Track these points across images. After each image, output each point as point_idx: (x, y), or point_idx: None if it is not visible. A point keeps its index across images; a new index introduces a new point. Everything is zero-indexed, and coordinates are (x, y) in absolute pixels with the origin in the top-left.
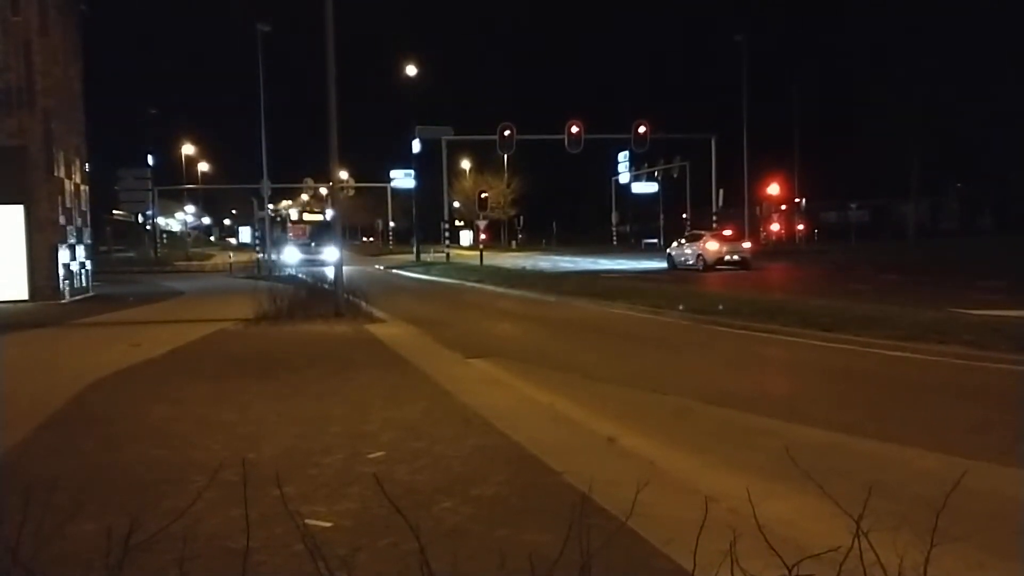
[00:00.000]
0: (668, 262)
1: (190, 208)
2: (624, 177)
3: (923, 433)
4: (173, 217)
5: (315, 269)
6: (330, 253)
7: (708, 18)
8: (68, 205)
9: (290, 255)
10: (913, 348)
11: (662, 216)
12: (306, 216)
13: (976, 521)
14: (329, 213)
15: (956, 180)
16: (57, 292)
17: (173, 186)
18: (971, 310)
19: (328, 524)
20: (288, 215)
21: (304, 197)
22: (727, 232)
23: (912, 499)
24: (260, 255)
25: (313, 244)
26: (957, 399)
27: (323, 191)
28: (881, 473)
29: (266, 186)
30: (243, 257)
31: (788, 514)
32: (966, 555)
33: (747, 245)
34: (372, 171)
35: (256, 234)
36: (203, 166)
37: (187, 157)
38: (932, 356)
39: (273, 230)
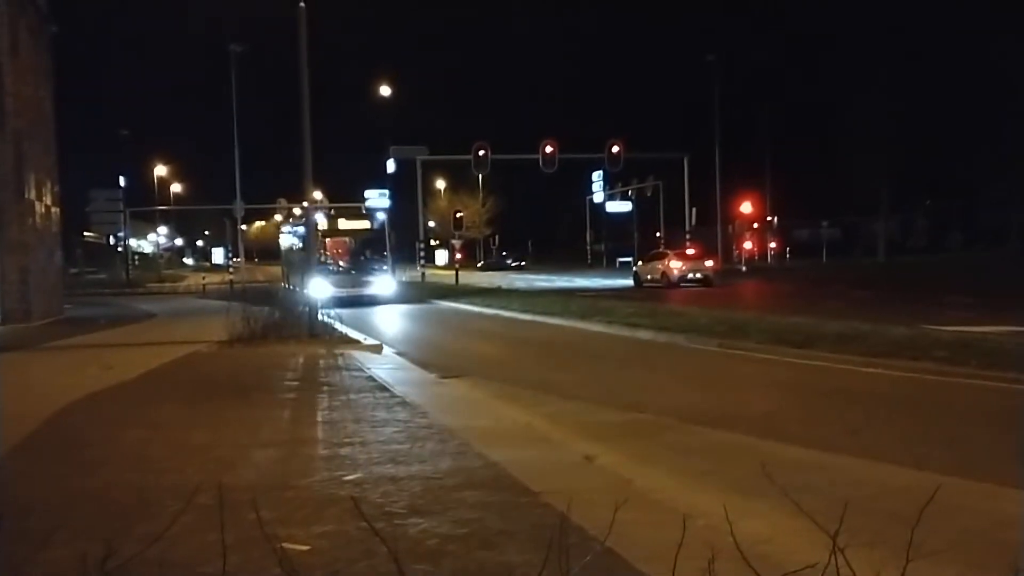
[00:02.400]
0: (634, 280)
1: (162, 229)
2: (598, 196)
3: (897, 449)
4: (145, 238)
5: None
6: (383, 283)
7: (681, 39)
8: (39, 227)
9: (319, 287)
10: (886, 364)
11: (636, 235)
12: (342, 224)
13: (951, 536)
14: (380, 210)
15: (925, 198)
16: (28, 315)
17: (145, 207)
18: (942, 326)
19: (305, 547)
20: (314, 224)
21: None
22: (690, 251)
23: (887, 515)
24: (233, 278)
25: (355, 270)
26: (931, 415)
27: (296, 211)
28: (857, 489)
29: (239, 206)
30: (216, 278)
31: (765, 531)
32: (942, 570)
33: (709, 263)
34: (347, 191)
35: (229, 254)
36: (176, 187)
37: (159, 178)
38: (905, 372)
39: (296, 254)
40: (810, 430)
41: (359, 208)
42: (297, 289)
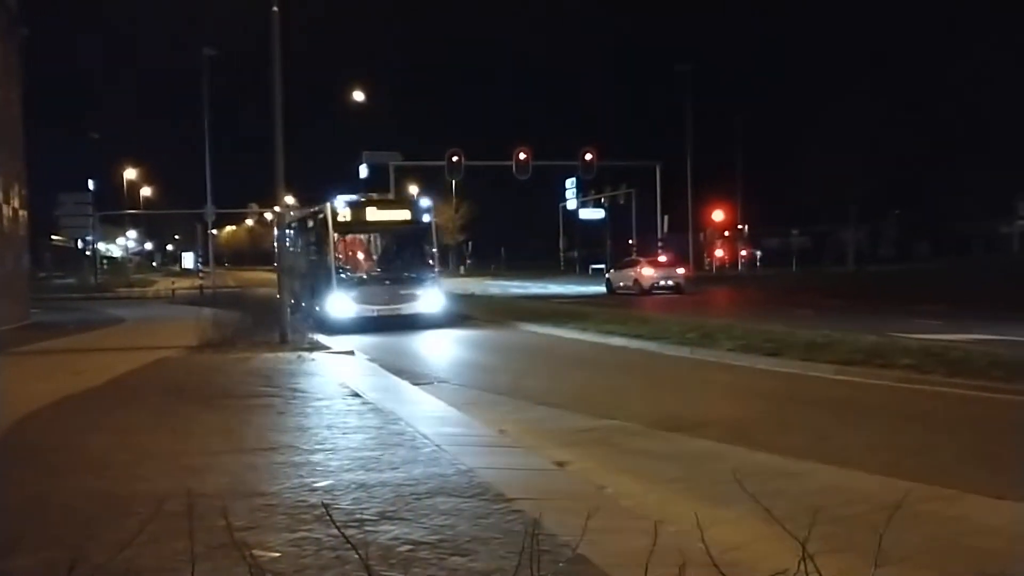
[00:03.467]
0: (607, 287)
1: (132, 233)
2: (572, 203)
3: (866, 456)
4: (114, 242)
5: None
6: (428, 296)
7: (654, 48)
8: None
9: (340, 304)
10: (855, 372)
11: (609, 242)
12: (373, 214)
13: (919, 542)
14: (422, 204)
15: (894, 208)
16: None
17: (115, 211)
18: (910, 334)
19: (275, 554)
20: (331, 214)
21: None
22: (662, 258)
23: (856, 521)
24: (204, 283)
25: (390, 279)
26: (899, 422)
27: (268, 216)
28: (826, 496)
29: (210, 211)
30: (186, 283)
31: (736, 538)
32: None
33: (681, 271)
34: (319, 196)
35: (200, 259)
36: (145, 190)
37: (129, 182)
38: (874, 380)
39: (292, 251)
40: (780, 437)
41: (390, 194)
42: (305, 305)
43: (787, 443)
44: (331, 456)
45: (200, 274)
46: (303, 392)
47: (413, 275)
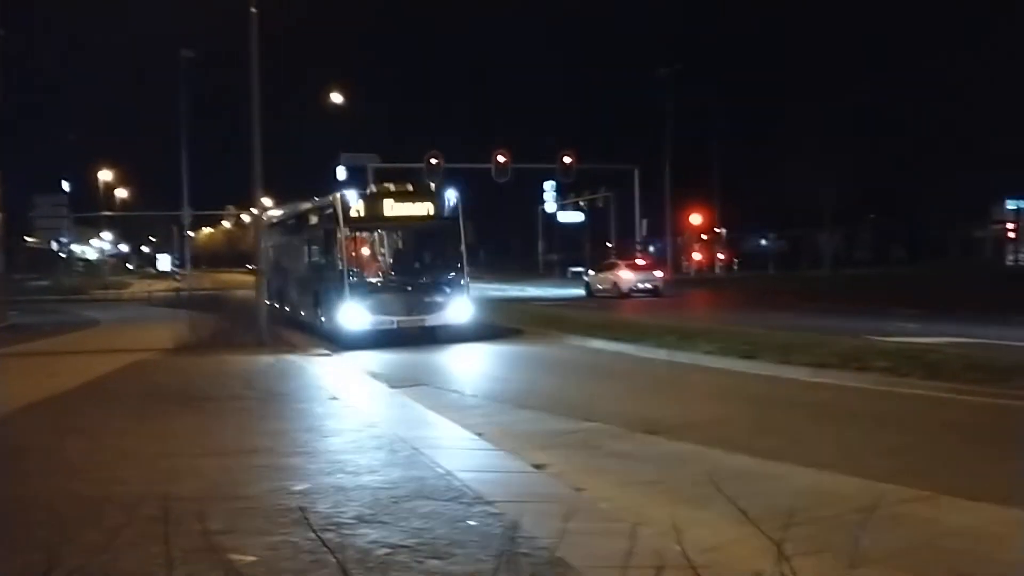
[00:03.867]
0: (586, 289)
1: (107, 235)
2: (551, 206)
3: (843, 458)
4: (89, 244)
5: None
6: (456, 304)
7: (634, 50)
8: None
9: (352, 315)
10: (832, 375)
11: (588, 245)
12: (390, 207)
13: (895, 544)
14: (449, 196)
15: (869, 212)
16: None
17: (90, 213)
18: (887, 337)
19: (252, 558)
20: (341, 208)
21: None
22: (640, 261)
23: (832, 523)
24: (180, 286)
25: (411, 285)
26: (875, 425)
27: (245, 218)
28: (802, 498)
29: (187, 213)
30: (162, 285)
31: (713, 539)
32: None
33: (659, 274)
34: (297, 198)
35: (177, 261)
36: (121, 192)
37: (105, 183)
38: (850, 383)
39: (287, 252)
40: (757, 439)
41: (410, 183)
42: (304, 314)
43: (764, 445)
44: (309, 459)
45: (177, 276)
46: (281, 395)
47: (438, 280)
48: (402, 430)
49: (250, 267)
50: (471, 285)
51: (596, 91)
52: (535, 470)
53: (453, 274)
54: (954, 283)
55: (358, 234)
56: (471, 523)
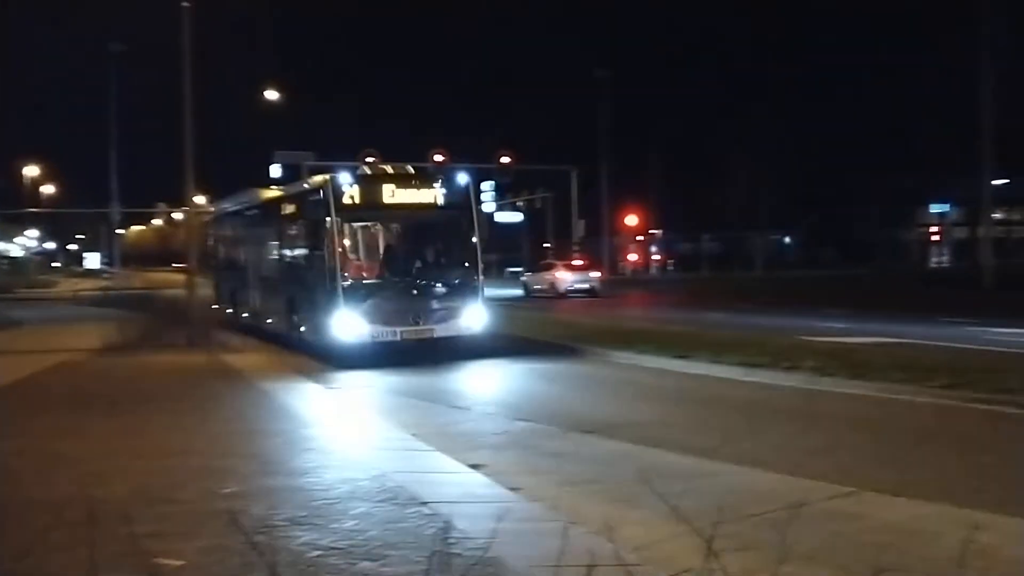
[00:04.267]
0: (524, 290)
1: (33, 232)
2: (489, 207)
3: (773, 456)
4: (14, 242)
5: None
6: (469, 311)
7: (573, 53)
8: None
9: (346, 325)
10: (763, 374)
11: (526, 245)
12: (391, 193)
13: (822, 540)
14: (460, 180)
15: (802, 215)
16: None
17: (15, 209)
18: (816, 337)
19: (180, 563)
20: (332, 194)
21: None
22: (577, 262)
23: (761, 520)
24: (109, 284)
25: (417, 288)
26: (804, 423)
27: (177, 216)
28: (733, 495)
29: (116, 210)
30: (89, 284)
31: (645, 537)
32: (812, 572)
33: (595, 275)
34: (230, 195)
35: (106, 260)
36: (48, 188)
37: (32, 179)
38: (781, 382)
39: (250, 246)
40: (690, 438)
41: (413, 168)
42: (272, 322)
43: (697, 444)
44: (240, 461)
45: (105, 275)
46: (212, 395)
47: (449, 282)
48: (335, 430)
49: (180, 265)
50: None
51: (536, 92)
52: (471, 470)
53: (465, 274)
54: (881, 285)
55: (352, 226)
56: (405, 524)
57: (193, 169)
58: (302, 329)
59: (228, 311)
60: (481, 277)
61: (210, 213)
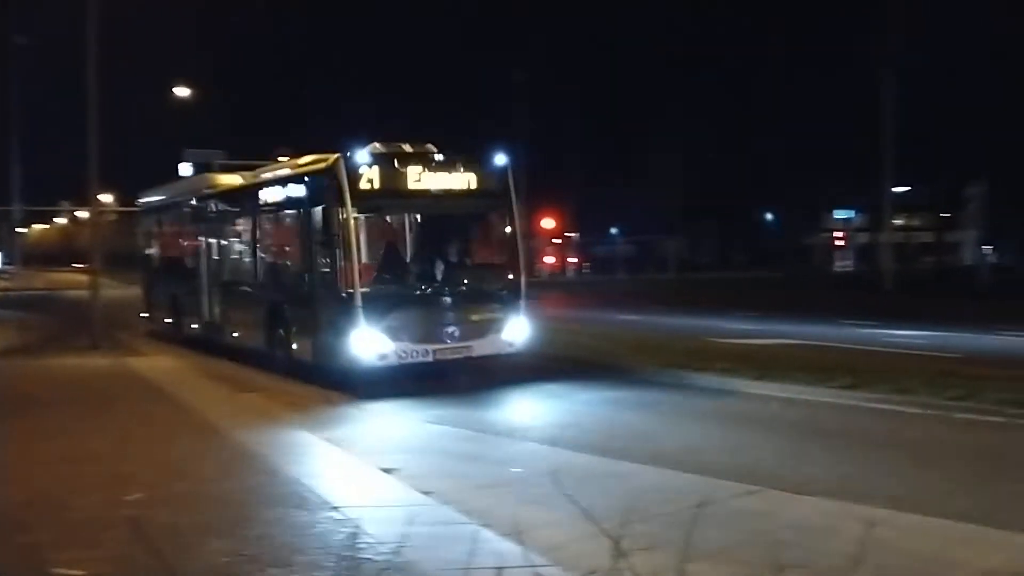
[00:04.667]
0: None
1: None
2: None
3: (683, 456)
4: None
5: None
6: (513, 326)
7: (488, 53)
8: None
9: (368, 344)
10: (674, 375)
11: None
12: (416, 177)
13: (727, 537)
14: (498, 161)
15: (714, 219)
16: None
17: None
18: (726, 339)
19: (80, 572)
20: (345, 175)
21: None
22: None
23: (670, 519)
24: (9, 286)
25: (452, 298)
26: (713, 423)
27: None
28: (642, 495)
29: (17, 208)
30: None
31: (555, 538)
32: (718, 570)
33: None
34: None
35: (6, 260)
36: None
37: None
38: (691, 383)
39: (163, 241)
40: (602, 439)
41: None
42: (240, 336)
43: (609, 445)
44: (146, 466)
45: (4, 275)
46: (117, 399)
47: (488, 287)
48: (246, 435)
49: (82, 266)
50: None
51: (456, 91)
52: (384, 474)
53: (505, 277)
54: (788, 288)
55: (369, 217)
56: (316, 530)
57: (98, 166)
58: (293, 347)
59: (166, 320)
60: (524, 279)
61: (143, 204)
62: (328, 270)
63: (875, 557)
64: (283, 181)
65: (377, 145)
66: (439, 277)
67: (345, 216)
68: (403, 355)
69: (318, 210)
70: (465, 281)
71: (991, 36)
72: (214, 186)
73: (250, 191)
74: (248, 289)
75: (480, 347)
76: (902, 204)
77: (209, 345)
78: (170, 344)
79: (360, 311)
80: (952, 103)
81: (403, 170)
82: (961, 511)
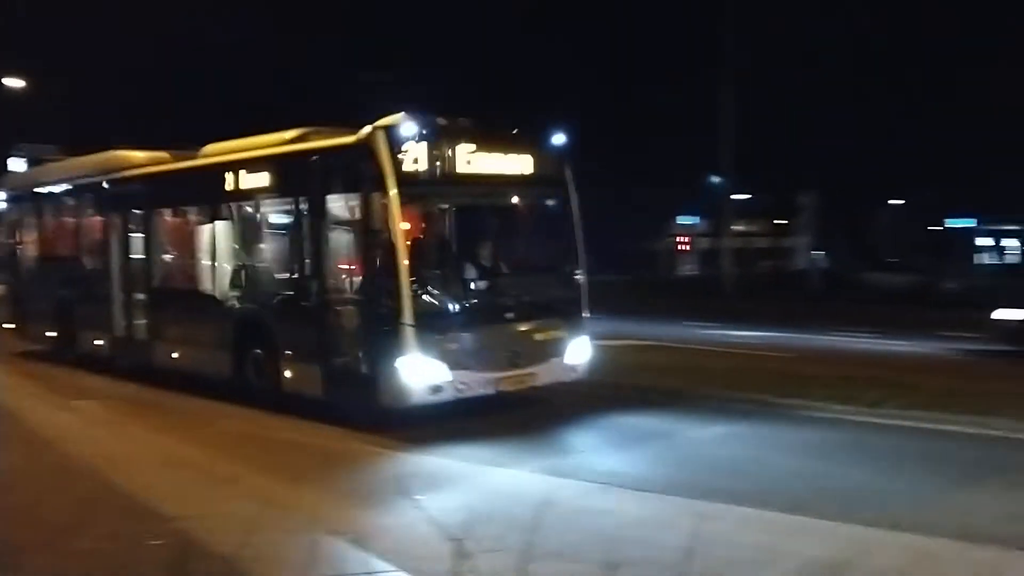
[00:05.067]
0: None
1: None
2: None
3: (529, 457)
4: None
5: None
6: (575, 345)
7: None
8: None
9: (417, 372)
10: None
11: None
12: (470, 159)
13: (572, 536)
14: (556, 141)
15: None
16: None
17: None
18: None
19: None
20: (388, 152)
21: None
22: None
23: (515, 520)
24: None
25: (515, 311)
26: (554, 423)
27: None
28: (491, 497)
29: None
30: None
31: (397, 544)
32: (557, 569)
33: None
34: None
35: None
36: None
37: None
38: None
39: (44, 231)
40: (452, 444)
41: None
42: (205, 360)
43: (455, 449)
44: None
45: None
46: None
47: (550, 299)
48: (80, 446)
49: None
50: None
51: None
52: (227, 482)
53: (566, 285)
54: (634, 291)
55: (417, 208)
56: (149, 541)
57: None
58: (285, 375)
59: (48, 334)
60: (585, 288)
61: (7, 189)
62: (357, 277)
63: (706, 548)
64: (276, 160)
65: (431, 116)
66: (500, 285)
67: (387, 206)
68: (462, 387)
69: (339, 198)
70: (529, 290)
71: (810, 43)
72: (134, 165)
73: (210, 172)
74: (201, 297)
75: (544, 374)
76: (743, 210)
77: (124, 369)
78: (57, 366)
79: (410, 330)
80: (784, 112)
81: (455, 150)
82: (790, 504)
